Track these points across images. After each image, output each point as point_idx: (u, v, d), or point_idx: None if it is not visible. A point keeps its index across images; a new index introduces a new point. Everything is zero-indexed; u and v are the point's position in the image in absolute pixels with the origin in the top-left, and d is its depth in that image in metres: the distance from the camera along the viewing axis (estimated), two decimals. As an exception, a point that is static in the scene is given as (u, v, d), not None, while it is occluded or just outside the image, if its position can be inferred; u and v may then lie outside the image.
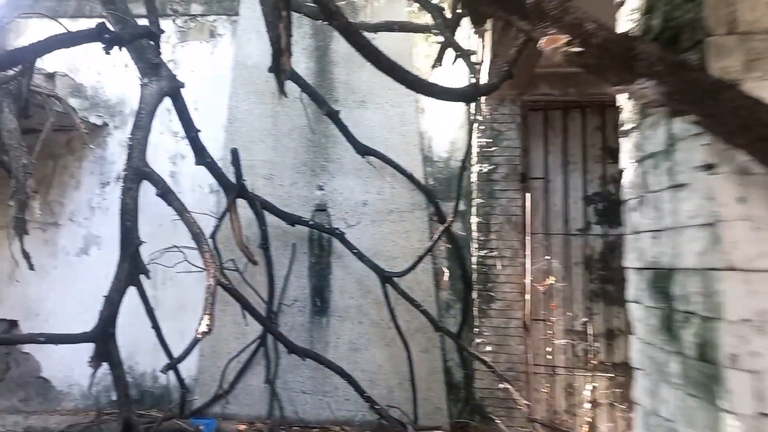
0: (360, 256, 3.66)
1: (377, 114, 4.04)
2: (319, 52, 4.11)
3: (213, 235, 3.72)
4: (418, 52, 4.10)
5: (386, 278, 3.57)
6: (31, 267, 2.19)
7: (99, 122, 4.23)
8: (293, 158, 4.07)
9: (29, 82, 2.75)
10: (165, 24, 4.28)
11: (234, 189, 3.54)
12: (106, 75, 4.35)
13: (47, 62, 4.31)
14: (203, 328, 2.14)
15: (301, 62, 3.71)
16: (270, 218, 3.80)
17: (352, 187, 4.01)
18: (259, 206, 3.68)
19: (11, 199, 2.14)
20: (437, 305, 3.89)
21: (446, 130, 4.07)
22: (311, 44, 4.12)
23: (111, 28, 3.14)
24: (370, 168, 3.94)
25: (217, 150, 3.98)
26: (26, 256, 2.17)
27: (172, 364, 2.39)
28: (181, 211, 2.71)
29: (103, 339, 2.76)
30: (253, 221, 3.95)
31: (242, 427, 3.79)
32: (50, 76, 4.05)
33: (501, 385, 3.47)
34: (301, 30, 4.12)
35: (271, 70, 1.98)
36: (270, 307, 3.81)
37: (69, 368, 4.20)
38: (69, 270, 4.28)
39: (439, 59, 3.23)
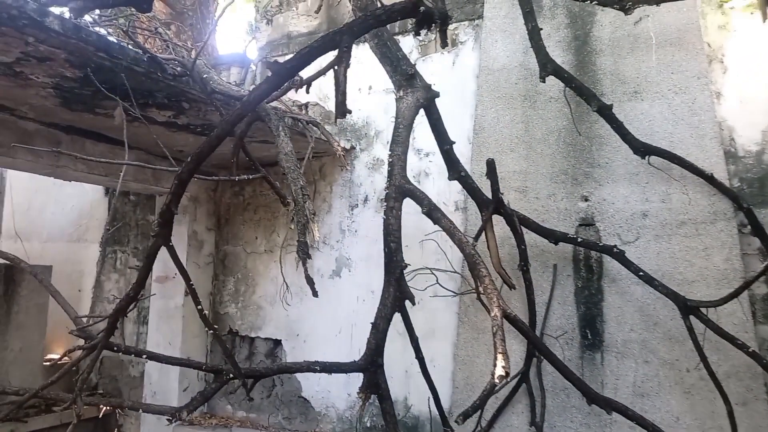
0: (648, 279, 2.97)
1: (656, 105, 3.32)
2: (578, 42, 3.57)
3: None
4: (709, 24, 3.30)
5: (690, 308, 2.82)
6: (315, 293, 2.06)
7: (347, 146, 4.28)
8: (550, 166, 3.57)
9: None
10: (405, 40, 4.20)
11: (490, 204, 3.17)
12: (352, 99, 4.40)
13: (302, 93, 4.56)
14: (499, 371, 1.75)
15: (556, 56, 3.21)
16: (528, 236, 3.34)
17: (626, 195, 3.34)
18: (518, 223, 3.25)
19: (292, 222, 2.03)
20: (756, 343, 2.97)
21: (754, 116, 3.16)
22: (567, 35, 3.61)
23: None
24: (649, 171, 3.24)
25: (463, 164, 3.69)
26: (310, 281, 2.04)
27: (468, 413, 2.04)
28: (452, 230, 2.40)
29: (371, 370, 2.58)
30: (504, 240, 3.55)
31: (506, 474, 3.35)
32: (304, 106, 4.24)
33: None
34: (555, 21, 3.64)
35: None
36: (530, 339, 3.32)
37: (326, 390, 4.27)
38: (323, 292, 4.36)
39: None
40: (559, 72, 3.07)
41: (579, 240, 3.25)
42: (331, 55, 2.24)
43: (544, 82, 3.03)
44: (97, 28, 3.10)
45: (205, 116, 3.33)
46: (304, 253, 2.05)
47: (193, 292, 2.09)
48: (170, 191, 1.92)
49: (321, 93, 4.55)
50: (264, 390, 4.52)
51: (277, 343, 4.56)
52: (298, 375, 4.38)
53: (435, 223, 2.56)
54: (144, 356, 2.22)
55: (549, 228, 3.29)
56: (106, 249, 5.59)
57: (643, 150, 3.10)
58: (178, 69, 2.68)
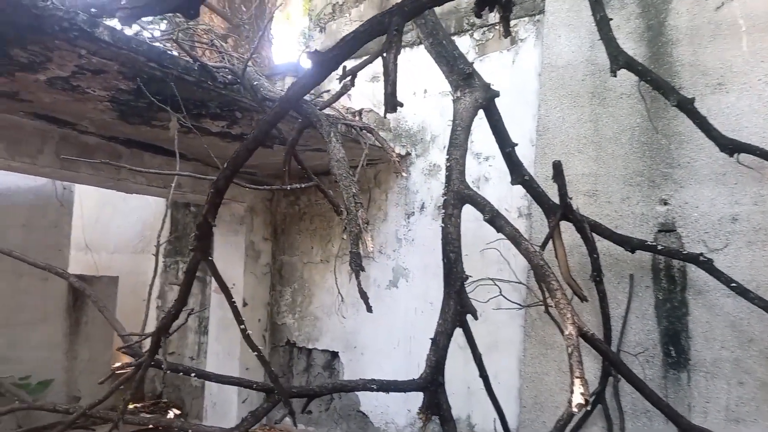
0: (742, 291, 2.64)
1: (744, 97, 2.98)
2: (651, 32, 3.28)
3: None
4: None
5: (795, 324, 2.47)
6: (369, 308, 1.92)
7: (403, 152, 4.14)
8: (623, 168, 3.29)
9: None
10: (462, 40, 4.02)
11: (557, 210, 2.93)
12: (407, 104, 4.27)
13: (355, 100, 4.47)
14: (578, 399, 1.54)
15: (627, 49, 2.94)
16: (600, 243, 3.08)
17: (712, 198, 3.01)
18: (589, 229, 2.99)
19: (344, 231, 1.90)
20: None
21: None
22: (639, 25, 3.32)
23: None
24: (738, 170, 2.91)
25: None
26: (364, 296, 1.91)
27: None
28: (516, 238, 2.20)
29: (432, 389, 2.41)
30: (573, 248, 3.29)
31: (580, 503, 3.07)
32: (358, 113, 4.14)
33: None
34: (625, 11, 3.36)
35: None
36: (606, 355, 3.05)
37: (385, 405, 4.12)
38: (380, 303, 4.25)
39: None
40: (631, 64, 2.81)
41: (659, 248, 2.95)
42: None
43: (615, 76, 2.77)
44: (156, 44, 3.12)
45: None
46: (357, 265, 1.92)
47: (234, 310, 2.01)
48: (207, 201, 1.83)
49: (375, 99, 4.44)
50: (322, 404, 4.43)
51: (335, 355, 4.46)
52: (356, 389, 4.25)
53: (498, 231, 2.37)
54: (192, 375, 2.14)
55: (624, 235, 3.02)
56: (167, 260, 5.70)
57: (731, 147, 2.78)
58: (229, 77, 2.62)
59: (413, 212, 4.17)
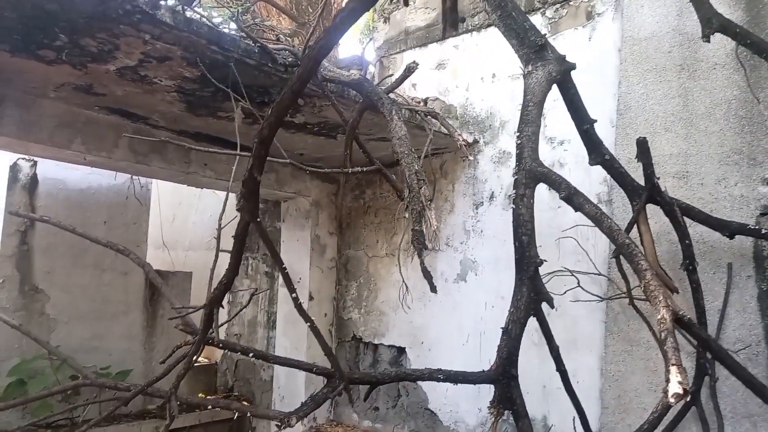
0: None
1: None
2: (749, -7, 2.94)
3: (616, 255, 2.89)
4: None
5: None
6: (433, 288, 1.81)
7: (470, 139, 3.97)
8: (718, 146, 2.96)
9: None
10: (532, 20, 3.80)
11: (642, 192, 2.67)
12: (474, 90, 4.11)
13: (420, 89, 4.35)
14: (675, 388, 1.33)
15: (722, 13, 2.64)
16: (693, 229, 2.78)
17: (826, 175, 2.64)
18: (680, 213, 2.70)
19: (406, 210, 1.78)
20: None
21: None
22: (735, -14, 2.99)
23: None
24: None
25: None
26: (427, 275, 1.79)
27: None
28: (599, 217, 1.99)
29: (503, 381, 2.24)
30: (661, 235, 3.00)
31: None
32: (423, 102, 4.01)
33: None
34: (717, -28, 3.03)
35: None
36: (701, 352, 2.74)
37: (454, 403, 3.95)
38: (448, 297, 4.09)
39: None
40: (727, 27, 2.51)
41: (764, 231, 2.61)
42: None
43: (707, 41, 2.48)
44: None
45: (320, 112, 3.23)
46: (420, 243, 1.79)
47: (286, 277, 1.93)
48: (252, 154, 1.71)
49: (441, 87, 4.30)
50: (389, 400, 4.32)
51: (401, 350, 4.34)
52: (424, 386, 4.12)
53: (576, 210, 2.16)
54: (251, 354, 2.09)
55: (721, 219, 2.70)
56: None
57: None
58: (289, 59, 2.58)
59: (482, 202, 3.99)
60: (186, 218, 6.62)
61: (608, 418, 3.13)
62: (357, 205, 4.79)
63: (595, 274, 3.25)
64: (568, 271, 3.10)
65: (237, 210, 1.76)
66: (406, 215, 1.90)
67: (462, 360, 3.92)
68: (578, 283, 3.13)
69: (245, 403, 5.33)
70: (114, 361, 4.69)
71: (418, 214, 1.85)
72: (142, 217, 5.17)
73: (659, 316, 1.60)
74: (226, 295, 2.01)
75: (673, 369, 1.40)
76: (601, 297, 3.17)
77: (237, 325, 5.77)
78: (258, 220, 1.74)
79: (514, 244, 2.33)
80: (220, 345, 2.04)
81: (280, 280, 4.88)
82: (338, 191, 4.91)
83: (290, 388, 4.58)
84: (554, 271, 3.14)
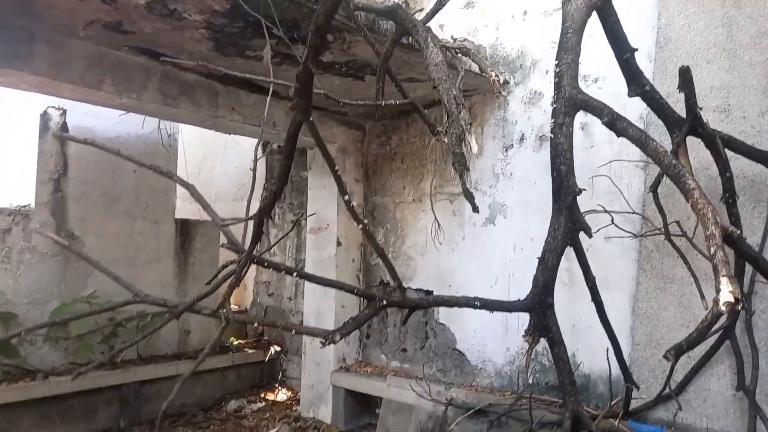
0: None
1: None
2: None
3: (654, 188, 2.85)
4: None
5: None
6: (475, 208, 1.80)
7: (500, 80, 3.88)
8: (763, 77, 2.85)
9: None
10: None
11: (683, 123, 2.60)
12: (504, 29, 3.99)
13: (447, 30, 4.24)
14: (726, 296, 1.33)
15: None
16: (733, 164, 2.71)
17: None
18: (721, 145, 2.63)
19: (445, 134, 1.76)
20: None
21: None
22: None
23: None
24: None
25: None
26: (469, 195, 1.78)
27: (683, 348, 1.64)
28: (643, 140, 1.95)
29: (539, 310, 2.25)
30: (701, 171, 2.94)
31: (704, 446, 2.82)
32: (452, 40, 3.91)
33: None
34: None
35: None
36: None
37: (482, 343, 4.00)
38: (476, 241, 4.09)
39: None
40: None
41: (809, 163, 2.54)
42: None
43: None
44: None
45: (350, 49, 3.17)
46: (461, 165, 1.77)
47: (338, 180, 1.95)
48: (308, 44, 1.61)
49: (469, 26, 4.18)
50: (417, 341, 4.40)
51: (429, 294, 4.38)
52: (452, 327, 4.17)
53: (620, 135, 2.11)
54: (294, 274, 2.13)
55: (764, 150, 2.63)
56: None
57: None
58: (320, -12, 2.51)
59: (512, 144, 3.93)
60: (211, 170, 6.67)
61: (639, 354, 3.15)
62: (383, 151, 4.76)
63: (629, 212, 3.21)
64: (603, 209, 3.06)
65: (290, 109, 1.71)
66: (446, 140, 1.87)
67: (490, 302, 3.95)
68: (612, 220, 3.10)
69: (275, 347, 5.49)
70: (148, 308, 4.83)
71: (458, 138, 1.83)
72: (170, 166, 5.21)
73: (708, 233, 1.58)
74: (260, 236, 2.02)
75: (724, 280, 1.39)
76: (635, 234, 3.14)
77: (265, 273, 5.88)
78: (311, 119, 1.69)
79: (552, 174, 2.30)
80: (266, 264, 2.07)
81: (308, 227, 4.92)
82: (364, 139, 4.88)
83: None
84: (588, 211, 3.09)
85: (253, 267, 6.15)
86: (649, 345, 3.13)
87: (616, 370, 3.21)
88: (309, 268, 4.93)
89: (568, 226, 2.26)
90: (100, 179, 4.66)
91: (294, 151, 1.93)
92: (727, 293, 1.33)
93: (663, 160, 1.87)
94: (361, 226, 1.94)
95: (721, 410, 2.87)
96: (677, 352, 1.58)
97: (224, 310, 1.81)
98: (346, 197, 1.89)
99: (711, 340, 2.85)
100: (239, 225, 2.88)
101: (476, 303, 2.19)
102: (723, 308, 1.32)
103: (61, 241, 2.96)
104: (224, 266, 2.19)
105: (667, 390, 2.93)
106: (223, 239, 5.45)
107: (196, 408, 4.82)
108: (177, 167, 5.35)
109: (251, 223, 2.07)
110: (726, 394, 2.86)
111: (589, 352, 3.41)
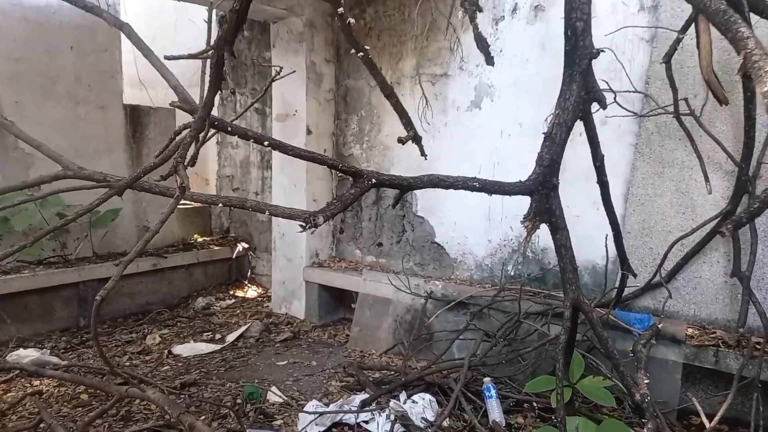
0: None
1: None
2: None
3: (667, 59, 2.54)
4: None
5: None
6: (490, 60, 1.51)
7: (492, -62, 3.38)
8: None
9: None
10: None
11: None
12: None
13: None
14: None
15: None
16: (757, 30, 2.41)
17: None
18: (746, 7, 2.31)
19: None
20: None
21: None
22: None
23: None
24: None
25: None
26: (482, 42, 1.48)
27: (741, 221, 1.41)
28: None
29: (543, 191, 2.01)
30: (714, 42, 2.64)
31: (691, 331, 2.77)
32: None
33: None
34: None
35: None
36: (743, 169, 2.53)
37: (463, 236, 3.83)
38: (459, 127, 3.78)
39: None
40: None
41: None
42: None
43: None
44: None
45: None
46: (473, 4, 1.41)
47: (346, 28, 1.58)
48: None
49: None
50: (394, 235, 4.20)
51: (407, 185, 4.12)
52: (431, 219, 3.97)
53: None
54: (265, 143, 1.79)
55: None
56: (224, 93, 5.35)
57: None
58: None
59: (502, 16, 3.51)
60: (162, 53, 6.00)
61: (630, 242, 3.01)
62: (356, 27, 4.25)
63: (632, 91, 2.92)
64: (608, 86, 2.76)
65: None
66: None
67: (473, 194, 3.73)
68: (615, 98, 2.81)
69: (243, 244, 5.24)
70: (97, 201, 4.44)
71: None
72: (114, 44, 4.60)
73: (765, 90, 1.30)
74: (221, 82, 1.65)
75: None
76: (636, 113, 2.88)
77: (228, 167, 5.49)
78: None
79: (566, 33, 1.96)
80: (229, 129, 1.73)
81: (273, 114, 4.49)
82: (335, 12, 4.34)
83: (292, 226, 4.41)
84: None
85: (214, 159, 5.73)
86: (641, 233, 2.98)
87: (602, 260, 3.11)
88: (277, 160, 4.57)
89: (580, 95, 1.97)
90: (33, 57, 4.06)
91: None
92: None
93: (709, 4, 1.54)
94: (360, 55, 1.59)
95: (711, 297, 2.80)
96: (736, 225, 1.35)
97: (178, 180, 1.48)
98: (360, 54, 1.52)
99: (707, 227, 2.72)
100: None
101: (475, 184, 1.93)
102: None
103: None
104: (177, 132, 1.83)
105: (657, 278, 2.83)
106: (179, 122, 4.99)
107: (161, 306, 4.62)
108: (122, 47, 4.73)
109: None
110: (717, 281, 2.77)
111: (576, 242, 3.26)
